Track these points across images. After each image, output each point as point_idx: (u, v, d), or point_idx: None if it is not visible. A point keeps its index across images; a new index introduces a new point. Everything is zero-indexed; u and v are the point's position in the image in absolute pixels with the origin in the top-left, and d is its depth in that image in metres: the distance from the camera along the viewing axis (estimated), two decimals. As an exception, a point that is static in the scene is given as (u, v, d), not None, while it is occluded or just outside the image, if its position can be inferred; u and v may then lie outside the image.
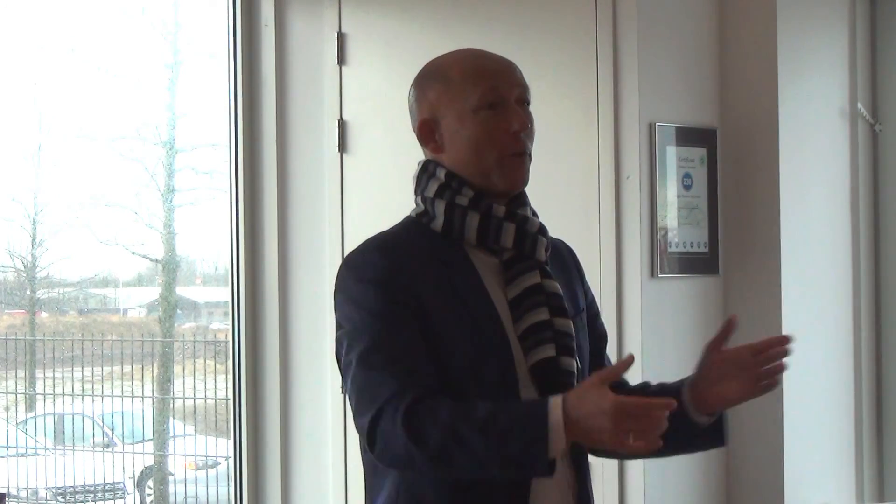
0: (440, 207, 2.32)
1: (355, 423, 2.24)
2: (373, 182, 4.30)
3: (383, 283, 2.25)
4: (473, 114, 2.31)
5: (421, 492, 2.26)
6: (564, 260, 2.47)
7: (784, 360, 2.34)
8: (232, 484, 4.60)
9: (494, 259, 2.34)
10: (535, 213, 2.39)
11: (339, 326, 2.31)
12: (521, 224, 2.33)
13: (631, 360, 2.17)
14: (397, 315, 2.23)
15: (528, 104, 2.37)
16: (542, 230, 2.37)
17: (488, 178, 2.32)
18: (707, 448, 2.43)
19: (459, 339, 2.24)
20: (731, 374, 2.35)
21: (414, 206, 2.39)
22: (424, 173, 2.36)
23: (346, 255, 2.36)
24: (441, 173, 2.34)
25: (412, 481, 2.25)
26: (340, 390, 4.34)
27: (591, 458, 2.41)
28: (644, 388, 2.46)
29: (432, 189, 2.34)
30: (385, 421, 2.17)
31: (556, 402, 2.12)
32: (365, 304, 2.25)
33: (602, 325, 2.53)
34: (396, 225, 2.40)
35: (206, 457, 11.00)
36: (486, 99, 2.31)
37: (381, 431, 2.18)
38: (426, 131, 2.36)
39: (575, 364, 2.33)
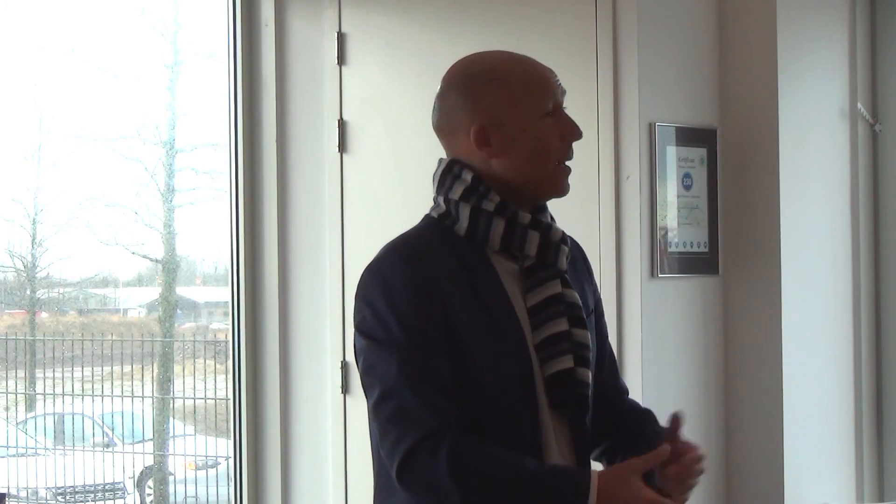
0: (465, 211, 2.29)
1: (383, 448, 2.19)
2: (373, 182, 4.30)
3: (411, 295, 2.20)
4: (539, 121, 2.30)
5: None
6: (576, 260, 2.46)
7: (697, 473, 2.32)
8: (232, 484, 4.61)
9: (515, 265, 2.32)
10: (553, 220, 2.38)
11: (361, 335, 2.25)
12: (544, 232, 2.32)
13: (666, 452, 2.20)
14: (426, 332, 2.19)
15: None
16: (564, 238, 2.36)
17: (540, 185, 2.32)
18: None
19: (483, 345, 2.23)
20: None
21: (433, 204, 2.35)
22: (449, 174, 2.32)
23: (372, 261, 2.28)
24: (468, 176, 2.30)
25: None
26: (340, 390, 4.34)
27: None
28: (638, 432, 2.44)
29: (457, 191, 2.30)
30: (422, 456, 2.14)
31: (594, 481, 2.14)
32: (392, 319, 2.20)
33: (605, 325, 2.53)
34: (418, 225, 2.35)
35: (206, 457, 11.00)
36: (547, 107, 2.31)
37: (417, 466, 2.15)
38: (482, 136, 2.30)
39: (590, 375, 2.33)
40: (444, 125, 2.36)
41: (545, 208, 2.38)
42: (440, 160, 2.36)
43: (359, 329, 2.26)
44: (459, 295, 2.23)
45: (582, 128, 2.37)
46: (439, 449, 2.14)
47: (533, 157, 2.30)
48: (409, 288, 2.21)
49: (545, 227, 2.33)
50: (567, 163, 2.35)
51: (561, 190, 2.35)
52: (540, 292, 2.31)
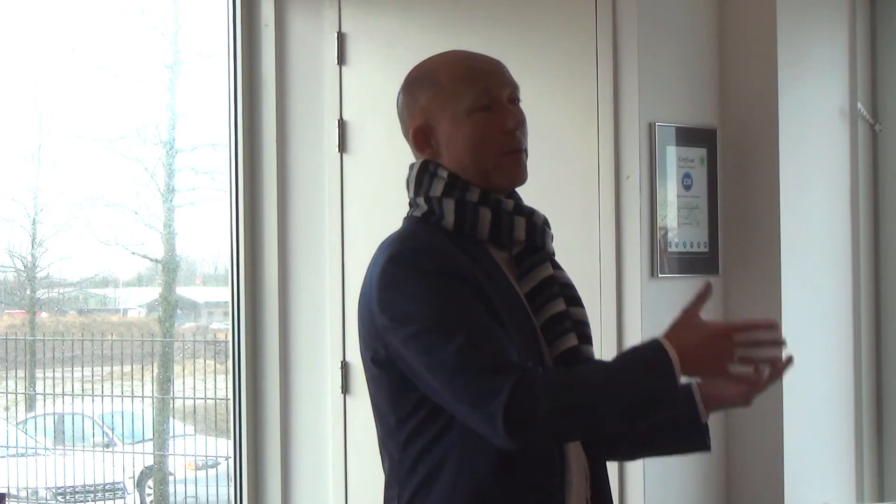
0: (449, 206, 2.31)
1: (479, 419, 2.15)
2: (373, 182, 4.30)
3: (448, 271, 2.21)
4: (467, 117, 2.31)
5: (482, 485, 2.22)
6: None
7: (775, 357, 2.32)
8: (232, 484, 4.61)
9: (504, 253, 2.35)
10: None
11: (401, 325, 2.21)
12: (529, 217, 2.35)
13: (709, 287, 2.25)
14: (471, 303, 2.19)
15: (519, 101, 2.38)
16: (547, 222, 2.39)
17: (488, 178, 2.33)
18: (694, 450, 2.45)
19: (508, 324, 2.24)
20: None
21: (411, 207, 2.36)
22: (425, 174, 2.34)
23: (389, 253, 2.26)
24: (444, 172, 2.32)
25: (471, 476, 2.22)
26: (340, 390, 4.34)
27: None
28: None
29: (438, 188, 2.32)
30: (523, 401, 2.12)
31: (665, 342, 2.18)
32: (432, 297, 2.19)
33: None
34: (404, 227, 2.36)
35: (206, 457, 11.00)
36: (480, 101, 2.32)
37: (522, 411, 2.12)
38: (421, 137, 2.35)
39: (593, 351, 2.36)
40: (402, 129, 2.41)
41: (516, 196, 2.39)
42: (411, 165, 2.38)
43: (397, 319, 2.22)
44: (476, 279, 2.24)
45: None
46: (534, 386, 2.13)
47: (468, 154, 2.32)
48: (440, 269, 2.22)
49: (528, 211, 2.36)
50: (525, 150, 2.35)
51: (513, 179, 2.35)
52: (533, 276, 2.34)
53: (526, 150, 2.36)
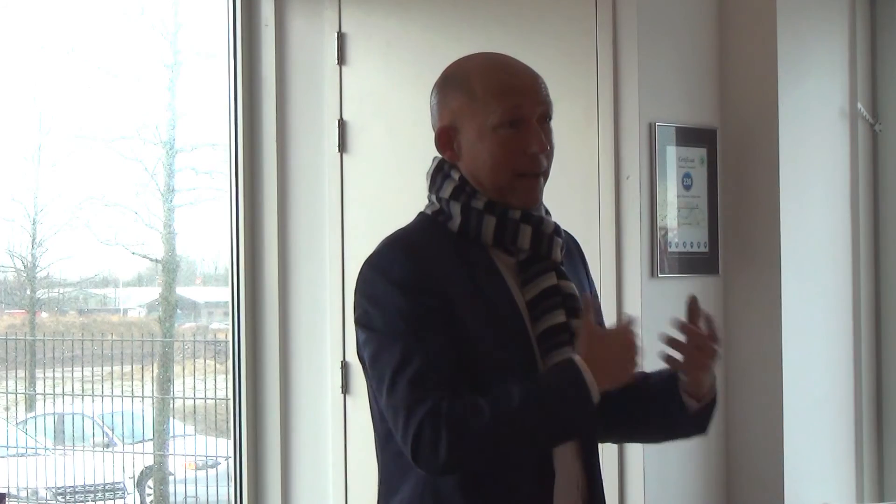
0: (456, 209, 2.32)
1: (398, 436, 2.21)
2: (373, 182, 4.30)
3: (411, 286, 2.23)
4: (493, 131, 2.30)
5: (446, 494, 2.24)
6: (572, 253, 2.47)
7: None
8: (232, 484, 4.61)
9: (512, 259, 2.34)
10: (548, 212, 2.39)
11: (363, 328, 2.27)
12: (536, 225, 2.34)
13: (587, 298, 2.31)
14: (427, 321, 2.21)
15: (551, 119, 2.37)
16: (557, 230, 2.37)
17: (502, 194, 2.32)
18: (690, 434, 2.47)
19: (486, 338, 2.25)
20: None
21: (427, 202, 2.38)
22: (439, 173, 2.36)
23: (370, 255, 2.31)
24: (455, 175, 2.34)
25: (437, 484, 2.24)
26: (340, 390, 4.34)
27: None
28: (646, 378, 2.49)
29: (447, 190, 2.33)
30: (428, 434, 2.16)
31: (579, 360, 2.22)
32: (394, 310, 2.22)
33: (602, 321, 2.52)
34: (413, 222, 2.38)
35: (206, 457, 11.00)
36: (508, 118, 2.30)
37: (425, 444, 2.17)
38: (445, 138, 2.34)
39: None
40: (431, 123, 2.40)
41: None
42: (434, 158, 2.39)
43: (360, 323, 2.28)
44: (460, 288, 2.25)
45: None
46: (439, 422, 2.16)
47: (486, 169, 2.31)
48: (410, 280, 2.23)
49: (536, 220, 2.34)
50: (544, 172, 2.35)
51: (525, 202, 2.34)
52: (536, 285, 2.33)
53: (545, 173, 2.36)
